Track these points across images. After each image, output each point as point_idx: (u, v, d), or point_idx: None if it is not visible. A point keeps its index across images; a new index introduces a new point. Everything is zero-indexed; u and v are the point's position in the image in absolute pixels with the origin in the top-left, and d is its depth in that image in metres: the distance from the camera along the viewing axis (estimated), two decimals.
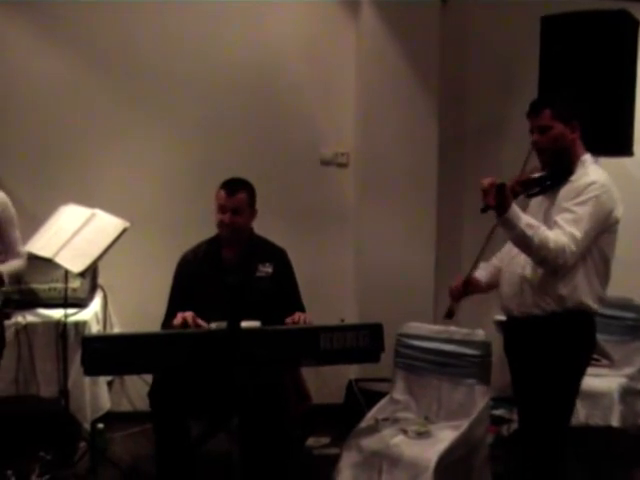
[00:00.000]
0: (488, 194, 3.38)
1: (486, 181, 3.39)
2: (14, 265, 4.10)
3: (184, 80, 5.65)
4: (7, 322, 4.75)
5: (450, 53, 5.76)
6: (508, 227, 3.42)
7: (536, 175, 3.64)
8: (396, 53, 5.59)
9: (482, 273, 3.90)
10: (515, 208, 3.41)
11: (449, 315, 3.85)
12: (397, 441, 4.14)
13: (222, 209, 4.25)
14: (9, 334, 4.74)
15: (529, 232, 3.38)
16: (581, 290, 3.51)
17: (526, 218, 3.43)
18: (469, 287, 3.84)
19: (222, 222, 4.25)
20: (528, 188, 3.65)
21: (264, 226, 4.48)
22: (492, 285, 3.87)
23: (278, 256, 4.40)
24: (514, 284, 3.64)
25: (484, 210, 3.41)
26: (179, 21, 5.63)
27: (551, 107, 3.57)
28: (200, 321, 3.94)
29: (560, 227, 3.43)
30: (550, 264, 3.43)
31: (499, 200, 3.37)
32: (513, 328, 3.75)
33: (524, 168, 3.67)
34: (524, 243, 3.43)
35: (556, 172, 3.61)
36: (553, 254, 3.38)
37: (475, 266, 3.83)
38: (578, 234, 3.39)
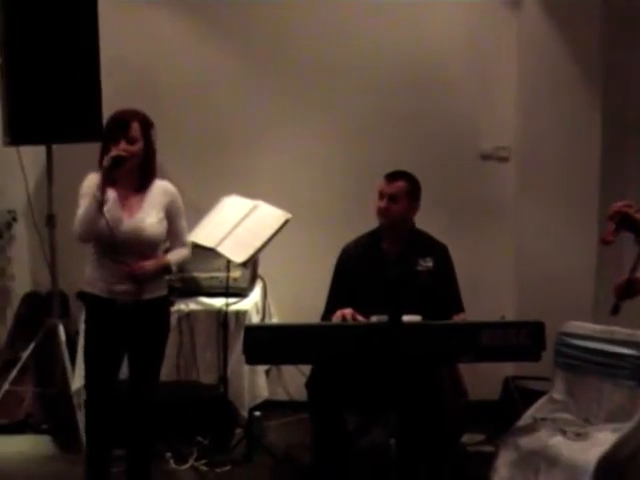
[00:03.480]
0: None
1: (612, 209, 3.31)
2: (181, 254, 4.16)
3: (346, 74, 5.66)
4: (170, 309, 4.94)
5: (613, 44, 5.54)
6: None
7: None
8: (558, 45, 5.46)
9: None
10: None
11: (614, 311, 3.69)
12: (555, 441, 4.05)
13: (380, 196, 4.31)
14: (172, 320, 4.89)
15: None
16: None
17: None
18: (633, 286, 3.56)
19: (378, 208, 4.30)
20: None
21: (423, 220, 4.48)
22: None
23: (439, 251, 4.39)
24: None
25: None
26: (341, 15, 5.64)
27: None
28: (360, 317, 3.96)
29: None
30: None
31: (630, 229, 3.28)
32: None
33: None
34: None
35: None
36: None
37: (637, 265, 3.65)
38: None
